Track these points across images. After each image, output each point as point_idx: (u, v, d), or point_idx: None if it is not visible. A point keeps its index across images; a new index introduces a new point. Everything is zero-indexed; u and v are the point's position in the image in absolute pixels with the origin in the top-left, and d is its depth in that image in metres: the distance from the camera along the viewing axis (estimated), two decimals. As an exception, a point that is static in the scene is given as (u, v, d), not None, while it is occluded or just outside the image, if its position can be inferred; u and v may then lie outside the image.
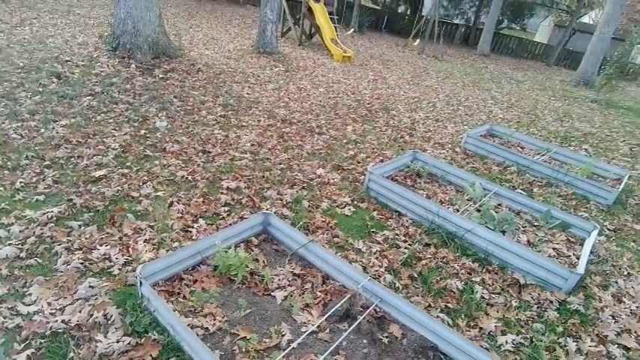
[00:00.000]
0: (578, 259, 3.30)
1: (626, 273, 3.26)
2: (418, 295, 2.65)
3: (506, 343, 2.36)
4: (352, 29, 15.89)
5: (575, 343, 2.44)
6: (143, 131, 4.31)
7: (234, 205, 3.31)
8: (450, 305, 2.61)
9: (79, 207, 2.89)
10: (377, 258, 2.97)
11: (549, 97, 10.82)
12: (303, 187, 3.81)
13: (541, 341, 2.42)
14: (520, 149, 5.86)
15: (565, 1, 21.25)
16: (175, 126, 4.61)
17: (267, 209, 3.28)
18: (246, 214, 3.19)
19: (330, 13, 11.73)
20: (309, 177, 4.02)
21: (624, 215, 4.27)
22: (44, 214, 2.73)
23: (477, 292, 2.77)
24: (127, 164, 3.60)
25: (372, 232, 3.31)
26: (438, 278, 2.85)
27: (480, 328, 2.46)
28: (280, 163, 4.20)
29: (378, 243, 3.18)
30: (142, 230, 2.79)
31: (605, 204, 4.41)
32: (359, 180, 4.14)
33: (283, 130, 5.14)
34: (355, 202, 3.71)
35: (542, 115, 8.44)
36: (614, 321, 2.69)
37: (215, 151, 4.19)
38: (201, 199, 3.27)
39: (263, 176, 3.87)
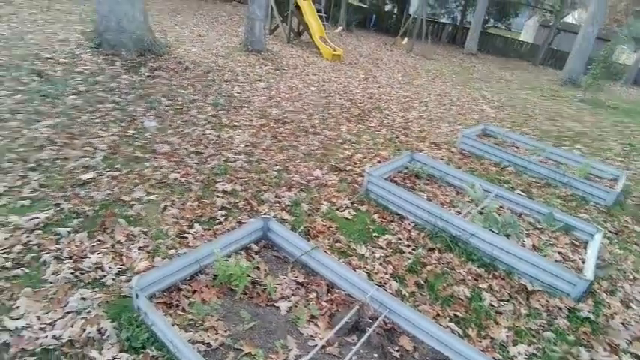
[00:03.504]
0: (583, 262, 3.27)
1: (631, 277, 3.24)
2: (426, 304, 2.56)
3: (519, 354, 2.29)
4: (340, 27, 15.80)
5: (587, 353, 2.39)
6: (131, 132, 4.11)
7: (231, 209, 3.16)
8: (458, 314, 2.53)
9: (68, 212, 2.70)
10: (381, 264, 2.87)
11: (538, 96, 10.94)
12: (301, 190, 3.68)
13: (554, 351, 2.36)
14: (515, 149, 5.86)
15: (549, 0, 21.57)
16: (165, 126, 4.42)
17: (265, 213, 3.15)
18: (244, 219, 3.05)
19: (319, 11, 11.60)
20: (306, 179, 3.90)
21: (624, 216, 4.28)
22: (30, 220, 2.54)
23: (484, 299, 2.70)
24: (117, 166, 3.41)
25: (375, 236, 3.21)
26: (445, 285, 2.76)
27: (492, 339, 2.38)
28: (276, 165, 4.06)
29: (381, 248, 3.08)
30: (136, 237, 2.62)
31: (605, 205, 4.41)
32: (357, 182, 4.04)
33: (277, 130, 5.00)
34: (355, 205, 3.61)
35: (534, 114, 8.50)
36: (624, 328, 2.65)
37: (208, 152, 4.03)
38: (196, 203, 3.12)
39: (259, 178, 3.72)
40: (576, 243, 3.58)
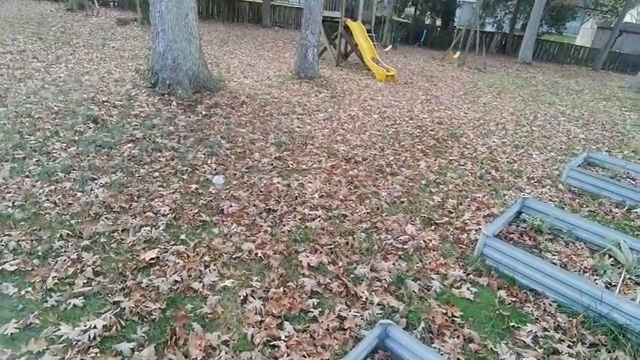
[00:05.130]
0: None
1: None
2: None
3: None
4: (390, 46, 15.19)
5: None
6: (194, 186, 3.62)
7: (323, 294, 2.51)
8: None
9: (129, 314, 2.16)
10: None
11: (619, 107, 9.63)
12: (400, 257, 2.98)
13: None
14: (631, 181, 4.84)
15: (610, 1, 19.86)
16: (228, 176, 3.91)
17: (366, 299, 2.47)
18: (342, 309, 2.38)
19: (369, 31, 11.05)
20: (400, 239, 3.19)
21: None
22: (85, 331, 2.01)
23: None
24: (182, 237, 2.88)
25: (512, 326, 2.42)
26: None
27: None
28: (361, 221, 3.39)
29: (527, 346, 2.29)
30: (215, 350, 2.02)
31: None
32: (462, 241, 3.27)
33: (350, 172, 4.36)
34: (471, 277, 2.84)
35: (626, 131, 7.32)
36: None
37: (280, 208, 3.44)
38: (281, 289, 2.49)
39: (347, 243, 3.06)
40: None
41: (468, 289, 2.72)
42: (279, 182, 3.92)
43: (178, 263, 2.59)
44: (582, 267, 3.02)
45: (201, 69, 5.93)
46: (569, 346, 2.32)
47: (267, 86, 7.62)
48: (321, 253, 2.89)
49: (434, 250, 3.12)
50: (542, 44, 20.60)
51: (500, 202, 4.03)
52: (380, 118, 6.55)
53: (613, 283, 2.83)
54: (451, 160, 5.07)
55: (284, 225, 3.20)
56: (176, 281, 2.43)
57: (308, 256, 2.82)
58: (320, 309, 2.37)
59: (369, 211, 3.59)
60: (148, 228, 2.93)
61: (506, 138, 6.18)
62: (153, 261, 2.59)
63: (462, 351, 2.21)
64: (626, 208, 4.11)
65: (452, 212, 3.74)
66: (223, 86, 6.57)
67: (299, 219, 3.32)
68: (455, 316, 2.46)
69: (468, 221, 3.58)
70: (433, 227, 3.45)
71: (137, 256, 2.63)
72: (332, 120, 6.15)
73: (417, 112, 7.17)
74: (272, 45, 13.31)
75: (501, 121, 7.19)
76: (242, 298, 2.38)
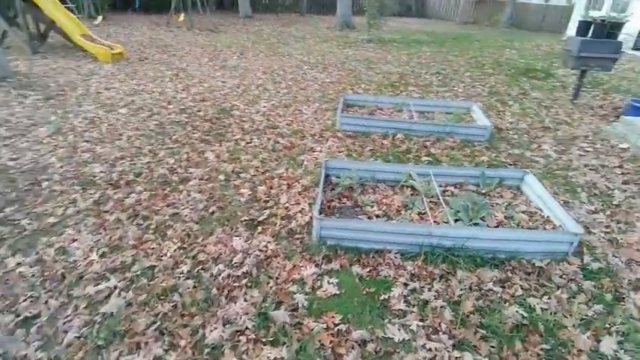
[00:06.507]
0: (540, 210, 3.29)
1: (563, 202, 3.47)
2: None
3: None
4: (100, 17, 12.39)
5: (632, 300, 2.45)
6: None
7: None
8: (543, 347, 2.06)
9: None
10: (427, 334, 2.10)
11: (337, 46, 11.33)
12: (247, 286, 2.40)
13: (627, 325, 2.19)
14: (381, 111, 5.70)
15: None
16: None
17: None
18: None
19: (62, 2, 8.51)
20: (235, 263, 2.59)
21: (502, 144, 4.68)
22: None
23: (533, 307, 2.35)
24: None
25: (383, 299, 2.35)
26: (500, 318, 2.25)
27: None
28: (177, 264, 2.55)
29: (404, 312, 2.27)
30: None
31: (485, 141, 4.71)
32: (295, 231, 2.96)
33: (126, 200, 3.25)
34: (324, 267, 2.60)
35: (354, 68, 8.65)
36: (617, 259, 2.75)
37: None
38: None
39: (174, 306, 2.22)
40: (515, 192, 3.62)
41: (328, 282, 2.47)
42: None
43: None
44: (396, 208, 3.27)
45: None
46: (429, 289, 2.45)
47: None
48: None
49: (276, 257, 2.69)
50: (253, -4, 21.74)
51: (303, 170, 3.92)
52: (131, 112, 5.26)
53: (423, 212, 3.19)
54: (237, 140, 4.59)
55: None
56: None
57: (130, 365, 1.87)
58: None
59: (178, 244, 2.76)
60: None
61: (273, 100, 6.14)
62: None
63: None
64: (392, 137, 4.78)
65: (268, 201, 3.36)
66: None
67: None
68: (336, 324, 2.18)
69: (288, 205, 3.29)
70: (260, 229, 2.99)
71: None
72: (64, 133, 4.46)
73: (171, 94, 6.16)
74: None
75: (259, 82, 7.11)
76: None
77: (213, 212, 3.16)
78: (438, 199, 3.29)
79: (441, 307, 2.33)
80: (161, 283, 2.40)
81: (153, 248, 2.71)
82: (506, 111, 5.89)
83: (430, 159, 4.24)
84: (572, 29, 14.34)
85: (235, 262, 2.60)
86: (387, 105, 5.75)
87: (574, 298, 2.46)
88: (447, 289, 2.48)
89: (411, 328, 2.18)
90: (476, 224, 2.98)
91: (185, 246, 2.75)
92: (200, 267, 2.55)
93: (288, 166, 4.00)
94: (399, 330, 2.17)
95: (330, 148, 4.46)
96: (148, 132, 4.65)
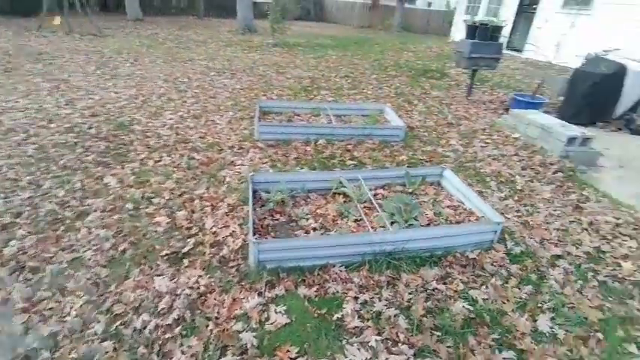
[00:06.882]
0: (462, 202, 3.48)
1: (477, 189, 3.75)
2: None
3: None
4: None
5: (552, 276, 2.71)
6: None
7: None
8: (493, 337, 2.12)
9: None
10: (387, 347, 2.01)
11: (242, 50, 10.96)
12: (181, 335, 2.04)
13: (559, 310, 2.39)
14: (298, 117, 5.56)
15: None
16: None
17: None
18: None
19: None
20: (162, 310, 2.20)
21: (415, 142, 4.92)
22: None
23: (476, 298, 2.44)
24: None
25: (337, 319, 2.21)
26: (448, 316, 2.28)
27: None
28: (91, 323, 2.07)
29: (357, 331, 2.16)
30: None
31: (401, 140, 4.90)
32: (229, 258, 2.66)
33: (4, 252, 2.57)
34: (269, 295, 2.35)
35: (262, 72, 8.41)
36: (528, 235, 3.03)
37: None
38: None
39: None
40: (437, 189, 3.79)
41: (276, 311, 2.24)
42: None
43: None
44: (332, 218, 3.16)
45: None
46: (379, 299, 2.38)
47: None
48: None
49: (211, 293, 2.36)
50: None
51: (227, 187, 3.58)
52: (9, 131, 4.29)
53: (359, 218, 3.13)
54: (142, 159, 4.03)
55: None
56: None
57: None
58: None
59: (85, 297, 2.25)
60: None
61: (180, 110, 5.59)
62: None
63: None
64: (313, 142, 4.68)
65: (191, 228, 2.97)
66: None
67: None
68: (293, 358, 1.96)
69: (215, 230, 2.95)
70: (186, 262, 2.61)
71: None
72: None
73: (52, 110, 5.21)
74: None
75: (161, 91, 6.45)
76: None
77: (124, 250, 2.68)
78: (372, 203, 3.28)
79: (395, 315, 2.28)
80: (69, 354, 1.91)
81: (51, 308, 2.16)
82: (414, 110, 6.25)
83: (355, 162, 4.25)
84: (455, 32, 16.13)
85: (162, 308, 2.21)
86: (304, 110, 5.65)
87: (507, 283, 2.63)
88: (395, 295, 2.44)
89: (370, 344, 2.08)
90: (410, 225, 3.01)
91: (94, 298, 2.26)
92: (118, 322, 2.11)
93: (209, 184, 3.63)
94: (359, 350, 2.06)
95: (252, 160, 4.18)
96: (25, 159, 3.83)
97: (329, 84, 7.65)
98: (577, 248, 3.03)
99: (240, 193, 3.45)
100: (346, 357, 2.01)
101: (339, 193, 3.46)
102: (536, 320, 2.34)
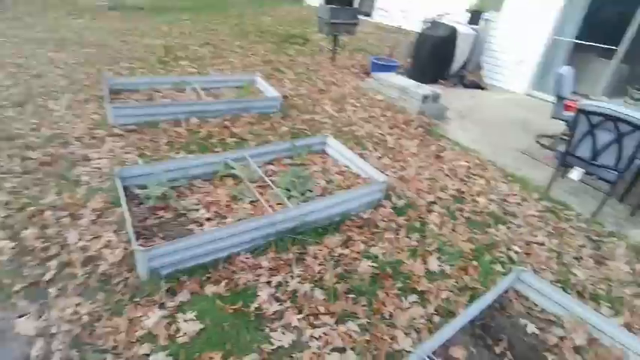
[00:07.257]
0: (347, 167, 3.65)
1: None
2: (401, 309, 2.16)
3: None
4: None
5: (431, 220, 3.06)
6: None
7: None
8: (398, 286, 2.34)
9: None
10: (311, 323, 2.02)
11: (68, 15, 8.92)
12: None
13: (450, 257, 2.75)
14: (159, 93, 4.87)
15: None
16: None
17: None
18: None
19: None
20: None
21: (292, 111, 4.89)
22: None
23: (377, 255, 2.64)
24: None
25: (255, 312, 2.10)
26: (357, 277, 2.41)
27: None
28: None
29: (282, 313, 2.11)
30: None
31: (278, 111, 4.80)
32: (113, 275, 2.23)
33: None
34: (164, 307, 2.08)
35: (102, 41, 7.03)
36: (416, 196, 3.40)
37: None
38: None
39: None
40: (322, 156, 3.87)
41: (185, 320, 2.01)
42: None
43: None
44: (225, 203, 2.93)
45: None
46: (292, 277, 2.35)
47: None
48: None
49: (98, 320, 1.95)
50: None
51: (86, 189, 2.94)
52: None
53: (255, 200, 2.98)
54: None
55: None
56: None
57: None
58: None
59: None
60: None
61: (33, 100, 4.30)
62: None
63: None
64: (184, 122, 4.20)
65: (49, 248, 2.37)
66: None
67: None
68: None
69: (83, 244, 2.42)
70: (54, 291, 2.08)
71: None
72: None
73: None
74: None
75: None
76: None
77: None
78: (264, 181, 3.15)
79: (310, 289, 2.29)
80: None
81: None
82: (284, 79, 6.17)
83: (236, 139, 4.00)
84: (308, -4, 16.26)
85: (37, 356, 1.74)
86: (166, 85, 4.98)
87: (398, 234, 2.90)
88: (306, 269, 2.45)
89: (293, 325, 2.05)
90: (307, 197, 3.02)
91: None
92: None
93: (59, 188, 2.93)
94: (283, 334, 2.01)
95: (112, 151, 3.53)
96: None
97: (188, 53, 6.91)
98: (445, 192, 3.52)
99: (106, 192, 2.90)
100: (272, 345, 1.94)
101: (227, 175, 3.22)
102: (426, 262, 2.66)
